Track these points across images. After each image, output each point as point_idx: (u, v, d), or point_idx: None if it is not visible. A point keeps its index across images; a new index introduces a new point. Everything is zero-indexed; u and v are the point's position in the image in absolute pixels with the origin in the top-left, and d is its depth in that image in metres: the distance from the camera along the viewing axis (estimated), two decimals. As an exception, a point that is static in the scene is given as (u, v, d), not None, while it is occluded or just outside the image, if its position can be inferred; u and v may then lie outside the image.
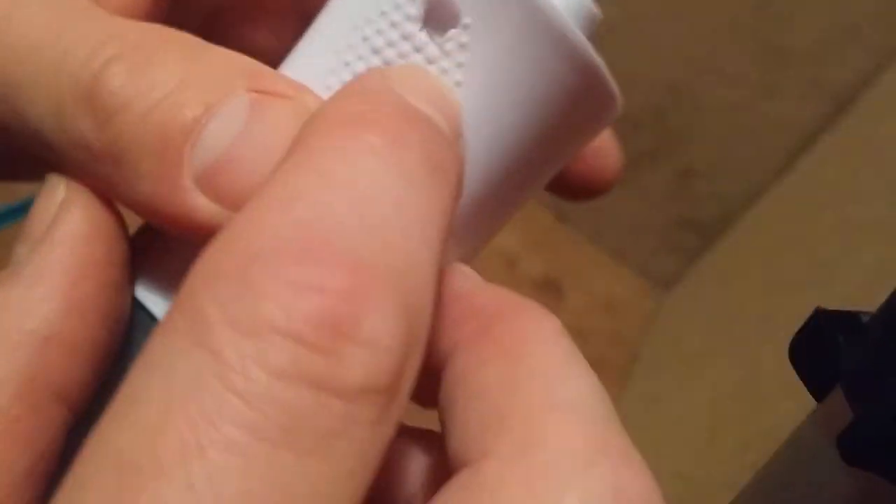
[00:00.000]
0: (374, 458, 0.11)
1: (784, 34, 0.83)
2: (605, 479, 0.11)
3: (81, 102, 0.13)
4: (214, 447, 0.09)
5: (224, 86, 0.13)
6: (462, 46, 0.14)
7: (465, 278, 0.14)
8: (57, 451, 0.13)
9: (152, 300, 0.15)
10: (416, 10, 0.14)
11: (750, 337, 0.68)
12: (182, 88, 0.13)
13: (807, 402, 0.38)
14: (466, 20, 0.14)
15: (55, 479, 0.13)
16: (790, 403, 0.54)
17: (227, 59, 0.13)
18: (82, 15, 0.13)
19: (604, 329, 0.85)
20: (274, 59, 0.15)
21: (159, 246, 0.15)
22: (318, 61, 0.15)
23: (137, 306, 0.15)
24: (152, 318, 0.15)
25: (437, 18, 0.14)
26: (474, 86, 0.14)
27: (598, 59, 0.14)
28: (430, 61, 0.14)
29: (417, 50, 0.14)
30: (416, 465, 0.15)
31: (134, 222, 0.15)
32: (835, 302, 0.30)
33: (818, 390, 0.37)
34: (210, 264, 0.11)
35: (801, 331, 0.38)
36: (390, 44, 0.14)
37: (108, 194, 0.14)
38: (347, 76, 0.15)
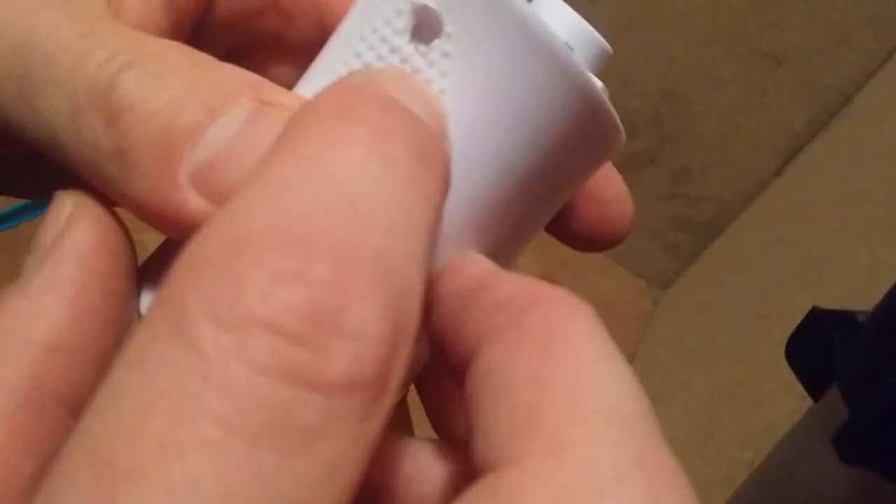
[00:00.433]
0: (361, 456, 0.10)
1: (776, 40, 0.84)
2: (638, 494, 0.10)
3: (95, 102, 0.13)
4: (193, 446, 0.09)
5: (229, 94, 0.13)
6: (446, 55, 0.14)
7: (487, 267, 0.14)
8: None
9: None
10: (402, 24, 0.15)
11: (746, 336, 0.68)
12: (189, 94, 0.13)
13: (803, 400, 0.38)
14: (449, 29, 0.14)
15: None
16: (786, 402, 0.55)
17: (234, 72, 0.14)
18: (105, 25, 0.14)
19: (601, 329, 0.86)
20: None
21: (164, 258, 0.15)
22: (319, 81, 0.15)
23: (142, 316, 0.15)
24: None
25: (423, 30, 0.14)
26: (458, 94, 0.14)
27: (590, 75, 0.14)
28: (416, 71, 0.14)
29: (404, 61, 0.14)
30: (432, 472, 0.14)
31: (140, 230, 0.15)
32: (830, 301, 0.31)
33: (814, 389, 0.37)
34: (191, 255, 0.10)
35: (797, 330, 0.38)
36: (380, 58, 0.15)
37: (109, 194, 0.14)
38: None
